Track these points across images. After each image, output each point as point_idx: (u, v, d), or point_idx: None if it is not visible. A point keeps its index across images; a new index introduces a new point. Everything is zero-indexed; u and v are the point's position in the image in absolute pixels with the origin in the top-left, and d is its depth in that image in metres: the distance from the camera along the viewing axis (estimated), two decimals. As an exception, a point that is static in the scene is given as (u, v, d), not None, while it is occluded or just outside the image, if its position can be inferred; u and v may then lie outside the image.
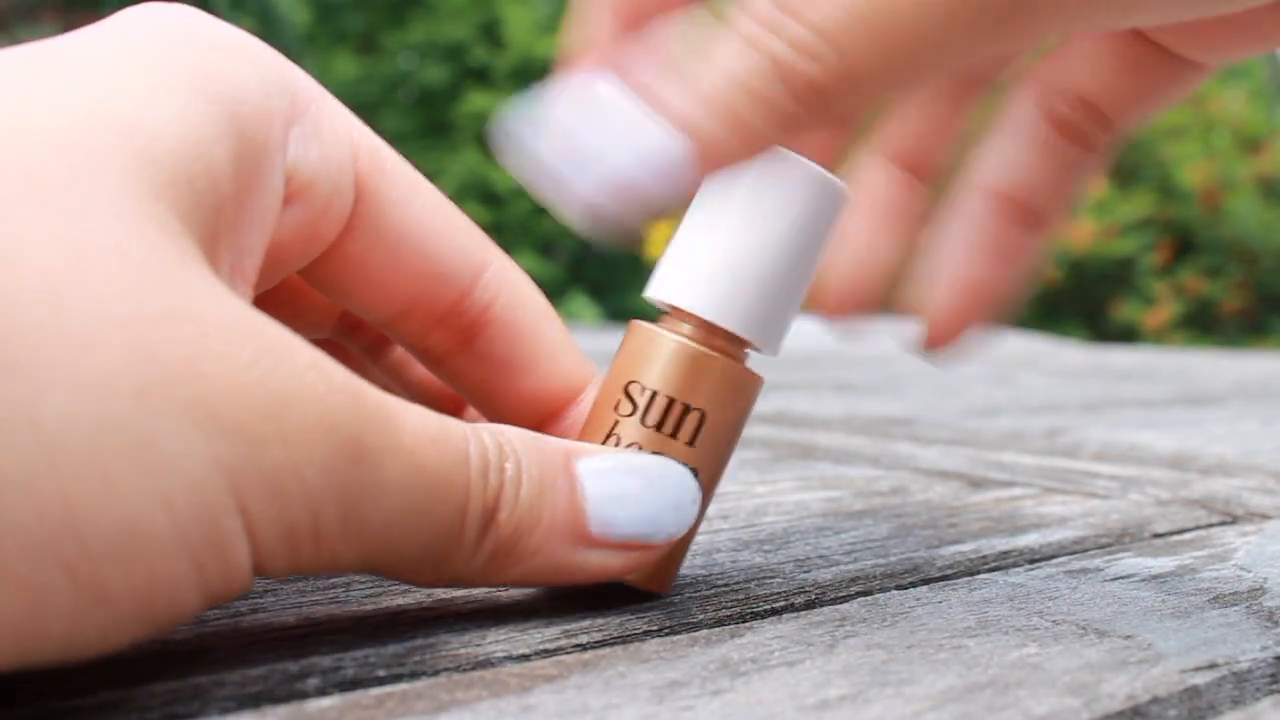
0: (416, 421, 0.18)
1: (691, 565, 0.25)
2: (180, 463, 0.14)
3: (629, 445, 0.21)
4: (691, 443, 0.21)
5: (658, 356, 0.21)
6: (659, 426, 0.21)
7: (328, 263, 0.21)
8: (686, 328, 0.21)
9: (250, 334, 0.16)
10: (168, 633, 0.16)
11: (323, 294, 0.23)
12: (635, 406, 0.21)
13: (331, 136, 0.20)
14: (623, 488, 0.20)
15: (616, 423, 0.21)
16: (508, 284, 0.23)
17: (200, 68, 0.18)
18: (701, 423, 0.21)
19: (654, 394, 0.21)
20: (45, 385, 0.14)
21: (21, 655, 0.14)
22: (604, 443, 0.21)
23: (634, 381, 0.21)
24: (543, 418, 0.23)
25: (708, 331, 0.21)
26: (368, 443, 0.16)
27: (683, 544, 0.22)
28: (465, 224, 0.23)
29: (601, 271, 7.50)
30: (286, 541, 0.16)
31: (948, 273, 0.24)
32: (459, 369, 0.23)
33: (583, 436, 0.22)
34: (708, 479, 0.21)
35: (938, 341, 0.24)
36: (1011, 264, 0.24)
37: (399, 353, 0.25)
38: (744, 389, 0.21)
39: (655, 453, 0.21)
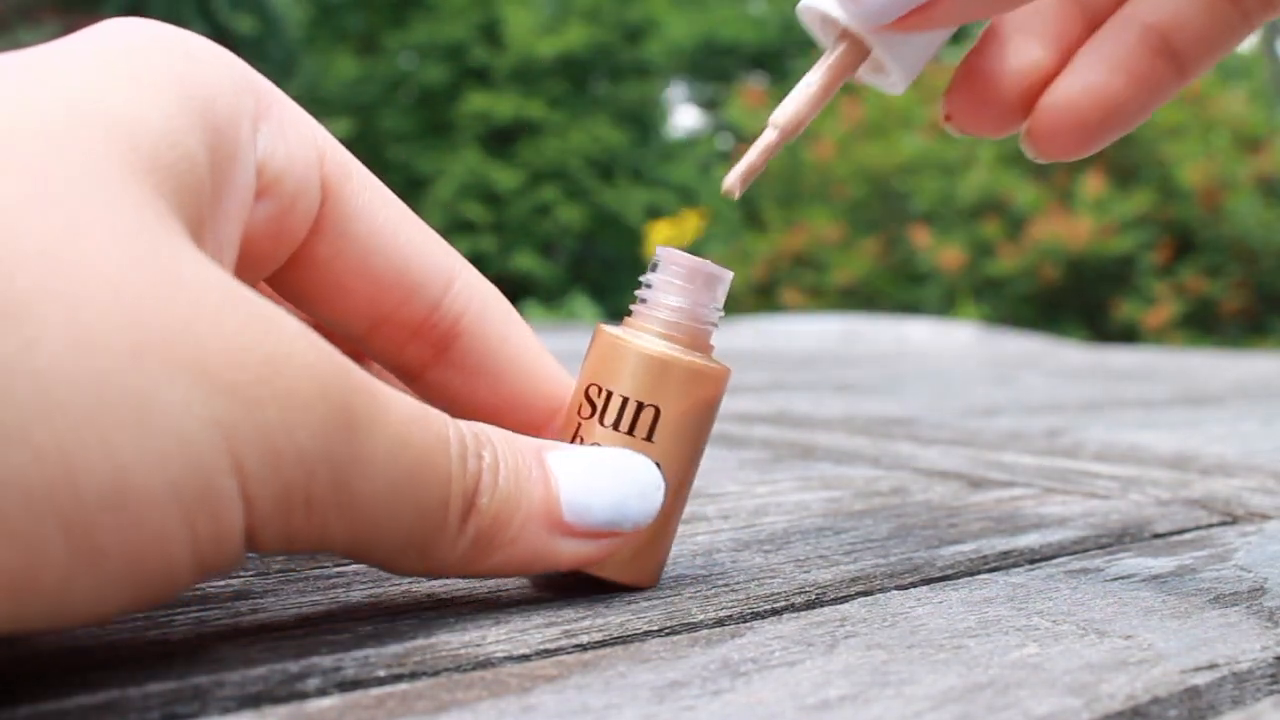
0: (400, 401, 0.18)
1: (692, 565, 0.25)
2: (176, 420, 0.15)
3: (592, 444, 0.22)
4: (649, 437, 0.22)
5: (613, 359, 0.22)
6: (616, 425, 0.22)
7: (297, 268, 0.22)
8: (645, 333, 0.22)
9: (240, 300, 0.16)
10: (160, 604, 0.16)
11: (295, 305, 0.23)
12: (595, 408, 0.22)
13: (296, 136, 0.21)
14: (591, 478, 0.21)
15: (580, 425, 0.22)
16: (477, 294, 0.23)
17: (173, 69, 0.18)
18: (656, 418, 0.22)
19: (609, 394, 0.22)
20: (43, 340, 0.14)
21: (15, 612, 0.14)
22: (570, 442, 0.22)
23: (593, 384, 0.22)
24: (522, 427, 0.23)
25: (669, 329, 0.22)
26: (357, 412, 0.17)
27: (660, 536, 0.23)
28: (432, 234, 0.23)
29: (601, 271, 7.51)
30: (280, 506, 0.16)
31: (1083, 77, 0.24)
32: (436, 382, 0.24)
33: (557, 434, 0.23)
34: (672, 471, 0.22)
35: (1047, 134, 0.24)
36: (1145, 90, 0.24)
37: (375, 369, 0.25)
38: (702, 383, 0.22)
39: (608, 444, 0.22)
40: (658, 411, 0.22)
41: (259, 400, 0.16)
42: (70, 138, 0.16)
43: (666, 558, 0.23)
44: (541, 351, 0.24)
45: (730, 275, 0.24)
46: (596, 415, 0.22)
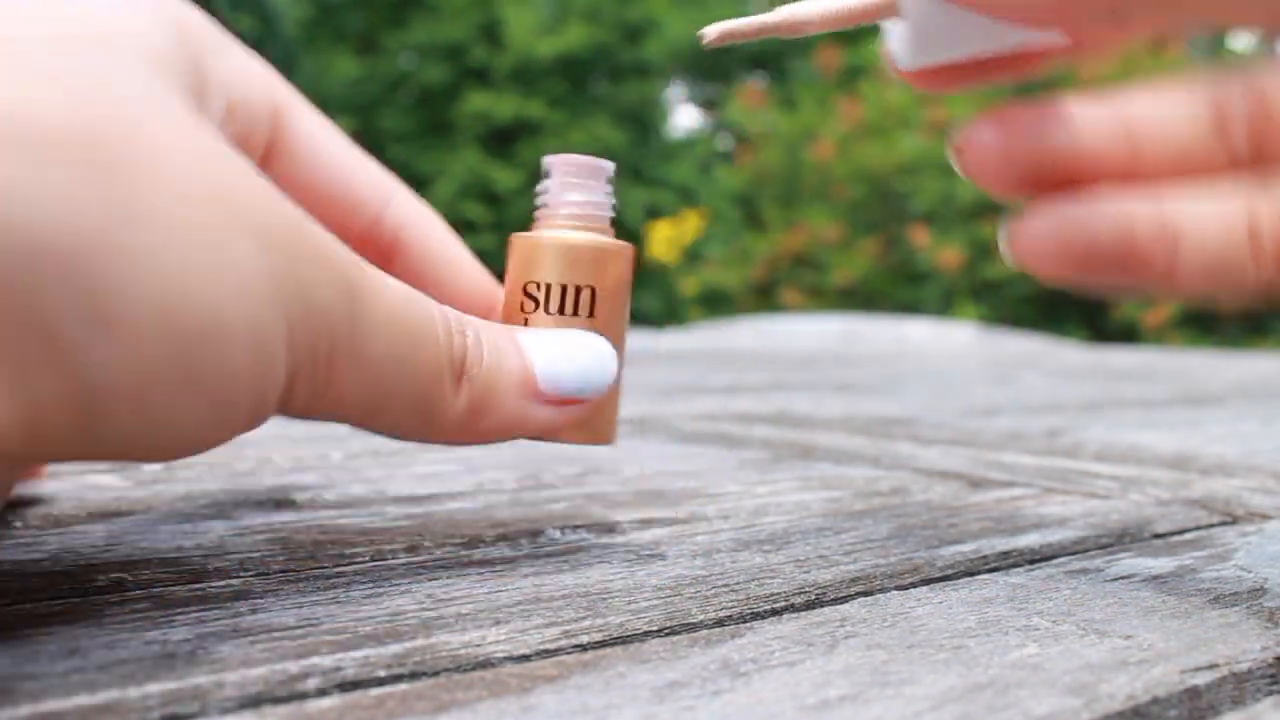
0: (389, 279, 0.21)
1: (691, 565, 0.25)
2: (246, 269, 0.17)
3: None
4: (591, 314, 0.25)
5: (541, 256, 0.25)
6: (560, 310, 0.25)
7: None
8: (561, 228, 0.25)
9: (260, 173, 0.19)
10: (208, 448, 0.18)
11: None
12: (538, 301, 0.25)
13: (249, 68, 0.23)
14: (559, 352, 0.24)
15: (526, 319, 0.25)
16: (414, 210, 0.26)
17: (157, 6, 0.20)
18: (594, 297, 0.25)
19: (549, 286, 0.25)
20: (140, 192, 0.16)
21: (132, 432, 0.17)
22: None
23: (530, 281, 0.25)
24: None
25: (577, 220, 0.25)
26: (360, 282, 0.20)
27: (610, 399, 0.25)
28: (369, 159, 0.26)
29: (601, 271, 7.49)
30: (309, 359, 0.19)
31: None
32: None
33: None
34: (614, 339, 0.25)
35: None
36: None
37: None
38: (621, 259, 0.25)
39: (559, 328, 0.25)
40: (594, 291, 0.25)
41: (300, 257, 0.18)
42: (106, 43, 0.18)
43: (616, 417, 0.26)
44: (471, 259, 0.27)
45: (612, 165, 0.26)
46: (541, 307, 0.25)
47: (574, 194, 0.25)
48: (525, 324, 0.25)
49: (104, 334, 0.16)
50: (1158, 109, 0.22)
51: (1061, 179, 0.21)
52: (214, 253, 0.17)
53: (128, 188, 0.16)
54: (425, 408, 0.21)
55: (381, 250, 0.25)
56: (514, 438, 0.23)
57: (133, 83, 0.17)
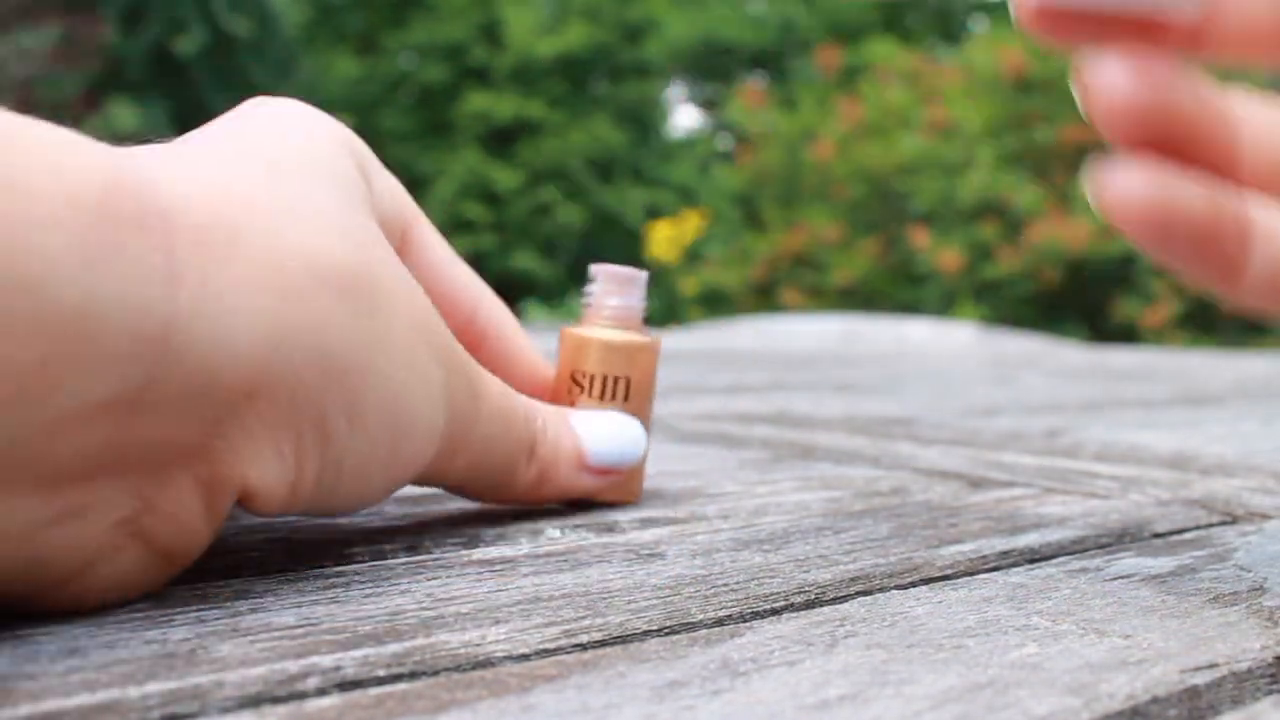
0: (491, 378, 0.26)
1: (691, 565, 0.25)
2: (431, 381, 0.23)
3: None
4: (626, 399, 0.31)
5: (588, 350, 0.32)
6: (601, 395, 0.31)
7: None
8: (601, 327, 0.32)
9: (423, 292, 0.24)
10: (402, 486, 0.24)
11: None
12: (583, 387, 0.31)
13: (389, 186, 0.26)
14: (601, 435, 0.30)
15: (574, 400, 0.31)
16: (497, 308, 0.31)
17: (325, 130, 0.24)
18: (629, 385, 0.31)
19: (592, 376, 0.31)
20: (387, 325, 0.22)
21: (349, 492, 0.23)
22: None
23: (578, 370, 0.32)
24: None
25: (615, 322, 0.32)
26: (478, 383, 0.26)
27: (641, 465, 0.32)
28: (465, 265, 0.30)
29: (601, 271, 7.48)
30: (446, 445, 0.24)
31: None
32: None
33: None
34: (643, 418, 0.32)
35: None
36: None
37: None
38: (650, 353, 0.32)
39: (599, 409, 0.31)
40: (629, 381, 0.31)
41: (452, 369, 0.24)
42: (335, 183, 0.23)
43: (643, 479, 0.33)
44: (533, 349, 0.32)
45: (645, 274, 0.32)
46: (586, 392, 0.31)
47: (613, 299, 0.32)
48: (573, 404, 0.31)
49: (354, 426, 0.21)
50: (1272, 121, 0.22)
51: (1171, 143, 0.21)
52: (419, 371, 0.22)
53: (381, 321, 0.21)
54: (507, 478, 0.28)
55: (472, 341, 0.30)
56: (566, 499, 0.30)
57: (369, 226, 0.22)
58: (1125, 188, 0.21)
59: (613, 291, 0.32)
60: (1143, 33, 0.22)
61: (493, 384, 0.26)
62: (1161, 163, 0.21)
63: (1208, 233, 0.21)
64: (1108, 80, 0.21)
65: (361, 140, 0.26)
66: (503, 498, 0.29)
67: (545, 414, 0.29)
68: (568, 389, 0.31)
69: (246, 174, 0.21)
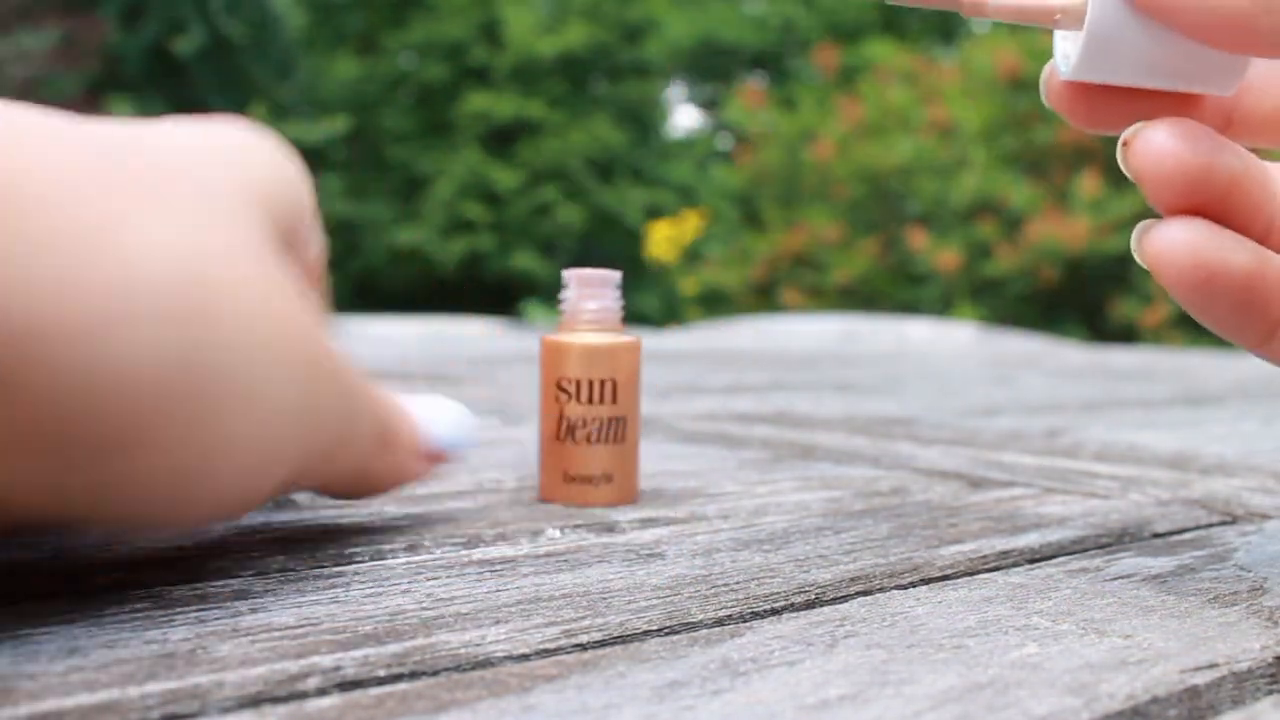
0: (371, 389, 0.25)
1: (691, 565, 0.25)
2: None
3: (577, 418, 0.31)
4: (614, 400, 0.31)
5: (569, 356, 0.31)
6: (589, 399, 0.31)
7: None
8: (582, 331, 0.31)
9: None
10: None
11: None
12: (569, 394, 0.31)
13: (318, 236, 0.25)
14: (439, 419, 0.28)
15: (562, 408, 0.31)
16: None
17: (260, 174, 0.23)
18: (616, 387, 0.31)
19: (577, 381, 0.31)
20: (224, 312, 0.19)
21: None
22: (559, 421, 0.32)
23: (563, 377, 0.31)
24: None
25: (594, 325, 0.31)
26: (353, 403, 0.24)
27: (632, 467, 0.32)
28: None
29: (601, 271, 7.49)
30: (323, 452, 0.23)
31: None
32: None
33: (543, 420, 0.32)
34: (630, 415, 0.32)
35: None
36: None
37: None
38: (631, 352, 0.32)
39: (588, 414, 0.31)
40: (615, 382, 0.31)
41: (324, 384, 0.22)
42: (219, 191, 0.20)
43: (638, 480, 0.32)
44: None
45: (618, 274, 0.32)
46: (572, 398, 0.31)
47: (589, 303, 0.31)
48: (561, 414, 0.31)
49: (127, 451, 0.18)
50: None
51: (1215, 204, 0.21)
52: (255, 396, 0.20)
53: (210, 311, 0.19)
54: (363, 479, 0.26)
55: None
56: (410, 481, 0.28)
57: (232, 220, 0.20)
58: (1168, 242, 0.21)
59: (587, 295, 0.31)
60: (1174, 108, 0.22)
61: (372, 395, 0.25)
62: (1205, 220, 0.21)
63: (1248, 288, 0.21)
64: (1158, 143, 0.21)
65: (304, 193, 0.24)
66: (356, 495, 0.27)
67: (390, 404, 0.26)
68: (554, 397, 0.31)
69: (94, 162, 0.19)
